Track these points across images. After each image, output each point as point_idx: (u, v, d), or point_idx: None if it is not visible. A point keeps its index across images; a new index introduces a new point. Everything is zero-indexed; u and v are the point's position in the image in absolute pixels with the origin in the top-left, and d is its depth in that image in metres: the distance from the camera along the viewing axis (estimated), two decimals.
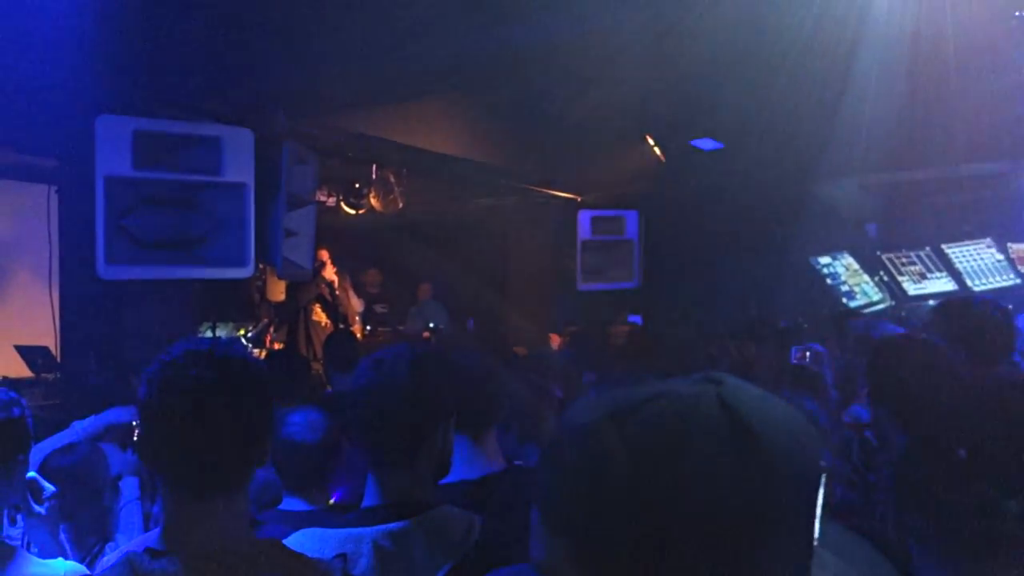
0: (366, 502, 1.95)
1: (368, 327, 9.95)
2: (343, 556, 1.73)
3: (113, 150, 4.64)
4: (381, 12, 4.72)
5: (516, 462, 2.61)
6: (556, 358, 4.84)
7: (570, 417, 0.87)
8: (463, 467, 2.37)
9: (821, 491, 0.84)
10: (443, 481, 2.37)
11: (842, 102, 6.69)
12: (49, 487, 2.27)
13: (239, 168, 5.07)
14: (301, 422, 2.76)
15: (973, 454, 1.46)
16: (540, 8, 4.70)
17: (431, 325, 10.01)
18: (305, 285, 7.67)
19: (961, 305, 3.47)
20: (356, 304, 9.47)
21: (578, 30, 5.04)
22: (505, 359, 5.13)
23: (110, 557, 1.61)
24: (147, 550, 1.51)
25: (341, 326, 8.18)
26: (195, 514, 1.53)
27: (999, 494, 1.38)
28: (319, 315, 8.04)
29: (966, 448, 1.47)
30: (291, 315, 8.22)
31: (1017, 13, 4.33)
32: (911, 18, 4.38)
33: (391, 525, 1.83)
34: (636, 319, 10.30)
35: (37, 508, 2.24)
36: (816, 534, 0.84)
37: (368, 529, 1.83)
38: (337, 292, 8.32)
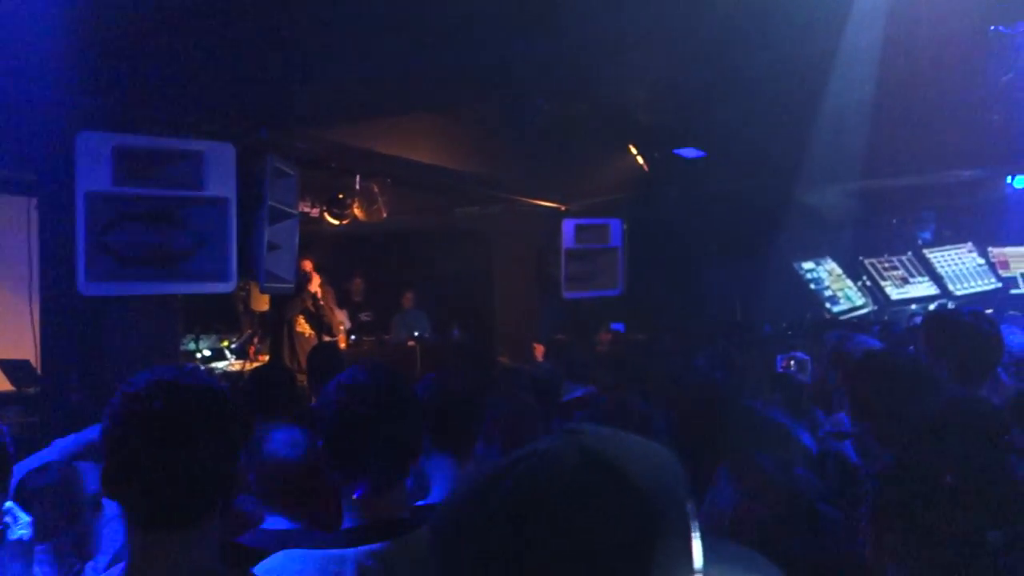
0: (346, 523, 1.93)
1: (352, 336, 9.93)
2: None
3: (93, 166, 4.63)
4: (366, 28, 4.72)
5: None
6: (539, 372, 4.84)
7: (450, 495, 0.90)
8: (444, 488, 2.37)
9: (694, 522, 0.86)
10: (422, 502, 2.37)
11: (821, 112, 6.75)
12: (24, 517, 2.25)
13: (221, 182, 5.07)
14: (283, 439, 2.74)
15: (959, 481, 1.44)
16: (526, 25, 4.71)
17: (416, 334, 10.01)
18: (291, 300, 7.66)
19: (948, 318, 3.44)
20: (340, 317, 9.47)
21: (564, 45, 5.05)
22: (491, 371, 5.15)
23: None
24: None
25: (326, 338, 8.16)
26: (161, 547, 1.50)
27: (984, 523, 1.36)
28: (303, 326, 8.03)
29: (952, 474, 1.46)
30: (275, 327, 8.19)
31: (992, 28, 4.39)
32: (887, 32, 4.42)
33: (374, 546, 1.83)
34: (619, 327, 10.32)
35: (17, 534, 2.22)
36: (698, 564, 0.86)
37: (351, 550, 1.82)
38: (321, 303, 8.30)
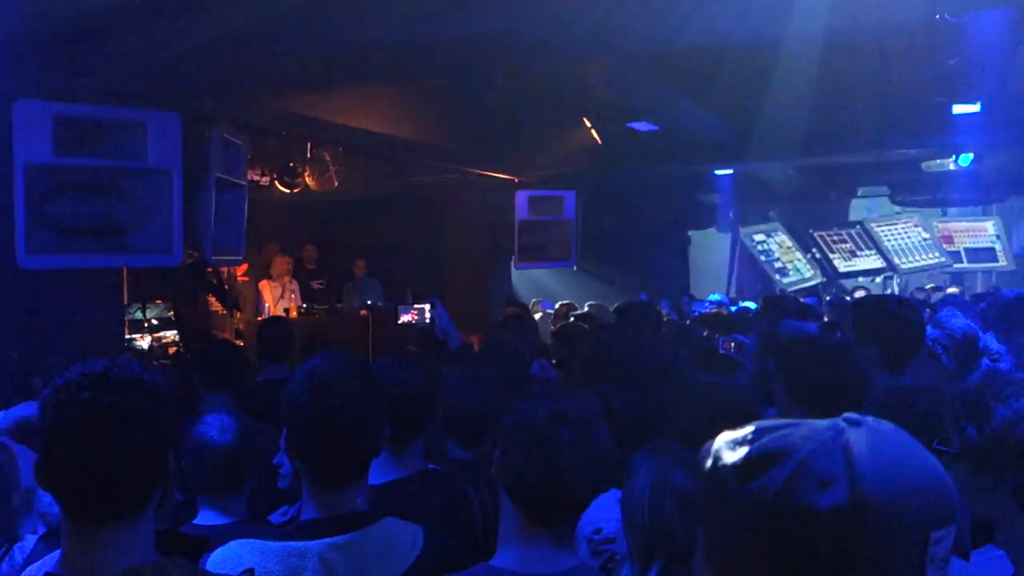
0: (306, 515, 1.91)
1: (304, 305, 9.86)
2: (250, 571, 1.72)
3: (32, 136, 4.51)
4: None
5: (431, 466, 2.58)
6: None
7: None
8: (375, 472, 2.33)
9: (934, 547, 0.88)
10: None
11: (770, 90, 6.82)
12: None
13: (165, 153, 4.98)
14: (212, 423, 2.69)
15: None
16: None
17: (368, 303, 9.96)
18: (200, 276, 7.51)
19: (875, 304, 3.56)
20: (293, 287, 9.41)
21: (518, 21, 5.00)
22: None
23: None
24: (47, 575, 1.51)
25: (237, 313, 8.04)
26: (95, 538, 1.51)
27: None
28: (215, 305, 7.92)
29: None
30: (191, 300, 8.03)
31: (937, 16, 4.46)
32: (834, 14, 4.46)
33: (337, 538, 1.81)
34: (548, 305, 10.35)
35: None
36: None
37: (313, 543, 1.80)
38: (227, 284, 8.15)
